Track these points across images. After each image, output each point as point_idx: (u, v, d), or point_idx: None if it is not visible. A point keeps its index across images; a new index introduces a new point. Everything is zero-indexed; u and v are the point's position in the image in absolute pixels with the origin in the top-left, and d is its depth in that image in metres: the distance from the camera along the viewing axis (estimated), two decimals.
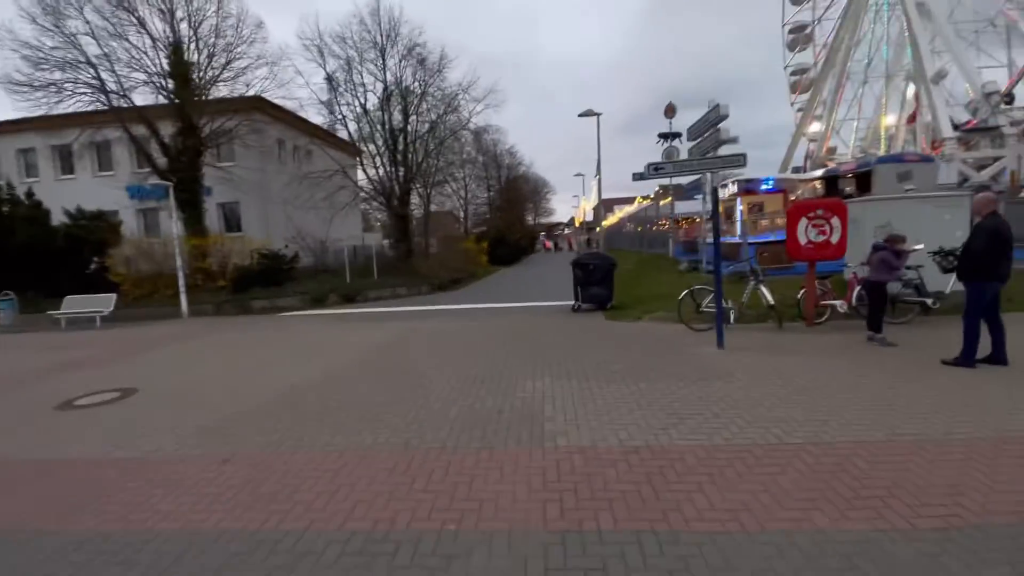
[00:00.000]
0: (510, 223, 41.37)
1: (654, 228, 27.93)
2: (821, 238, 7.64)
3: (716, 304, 6.96)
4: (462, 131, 22.32)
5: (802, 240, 7.66)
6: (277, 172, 22.94)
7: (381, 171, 20.88)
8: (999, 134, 18.85)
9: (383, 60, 19.59)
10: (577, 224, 78.94)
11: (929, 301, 7.78)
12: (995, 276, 5.44)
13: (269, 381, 6.46)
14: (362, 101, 20.15)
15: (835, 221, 7.62)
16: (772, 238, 16.06)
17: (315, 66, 21.06)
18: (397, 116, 20.46)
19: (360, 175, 22.44)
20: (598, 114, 17.33)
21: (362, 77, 20.05)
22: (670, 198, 22.51)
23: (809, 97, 36.24)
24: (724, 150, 6.76)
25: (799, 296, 8.21)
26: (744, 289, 8.31)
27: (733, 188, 26.11)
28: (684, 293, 8.16)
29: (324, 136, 24.60)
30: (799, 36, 39.55)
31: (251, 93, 18.26)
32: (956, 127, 20.10)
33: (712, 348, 6.91)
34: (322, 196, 19.95)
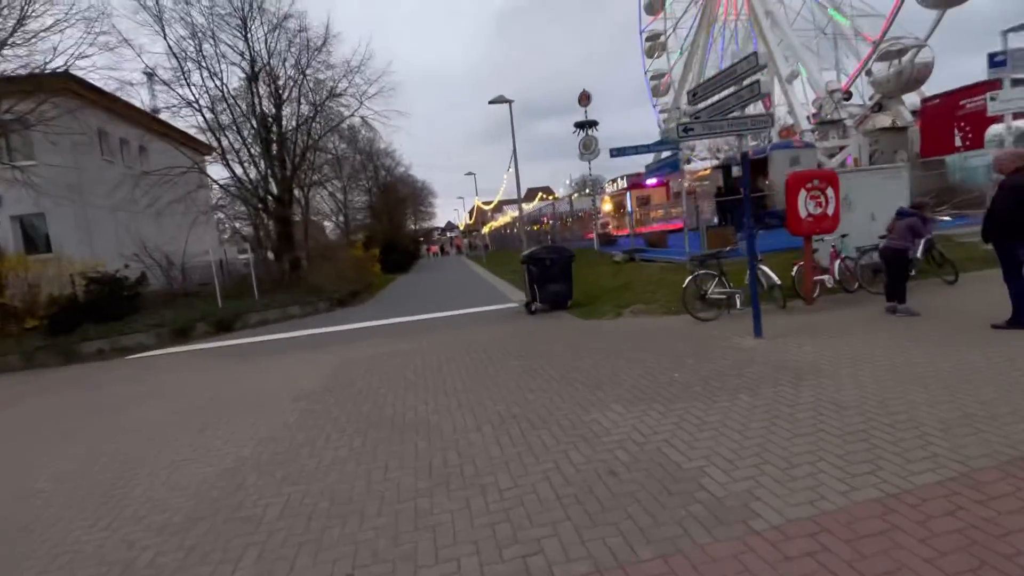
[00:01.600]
0: (396, 227, 38.42)
1: (560, 223, 27.66)
2: (819, 210, 7.20)
3: (751, 287, 6.07)
4: (351, 119, 19.27)
5: (802, 213, 7.13)
6: (101, 172, 17.80)
7: (252, 168, 17.18)
8: (843, 126, 21.81)
9: (246, 31, 15.97)
10: (462, 227, 78.21)
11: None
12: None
13: (169, 475, 3.95)
14: (221, 82, 16.26)
15: (829, 192, 7.23)
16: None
17: (152, 34, 16.37)
18: (267, 102, 16.98)
19: (220, 173, 18.35)
20: (510, 101, 16.13)
21: (218, 48, 16.11)
22: (587, 190, 22.20)
23: (672, 100, 39.27)
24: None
25: (793, 273, 7.77)
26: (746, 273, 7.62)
27: (623, 183, 26.94)
28: (688, 280, 7.23)
29: (166, 127, 19.79)
30: (655, 43, 42.88)
31: (59, 65, 13.48)
32: (809, 120, 22.89)
33: (749, 338, 5.98)
34: (173, 199, 15.70)
